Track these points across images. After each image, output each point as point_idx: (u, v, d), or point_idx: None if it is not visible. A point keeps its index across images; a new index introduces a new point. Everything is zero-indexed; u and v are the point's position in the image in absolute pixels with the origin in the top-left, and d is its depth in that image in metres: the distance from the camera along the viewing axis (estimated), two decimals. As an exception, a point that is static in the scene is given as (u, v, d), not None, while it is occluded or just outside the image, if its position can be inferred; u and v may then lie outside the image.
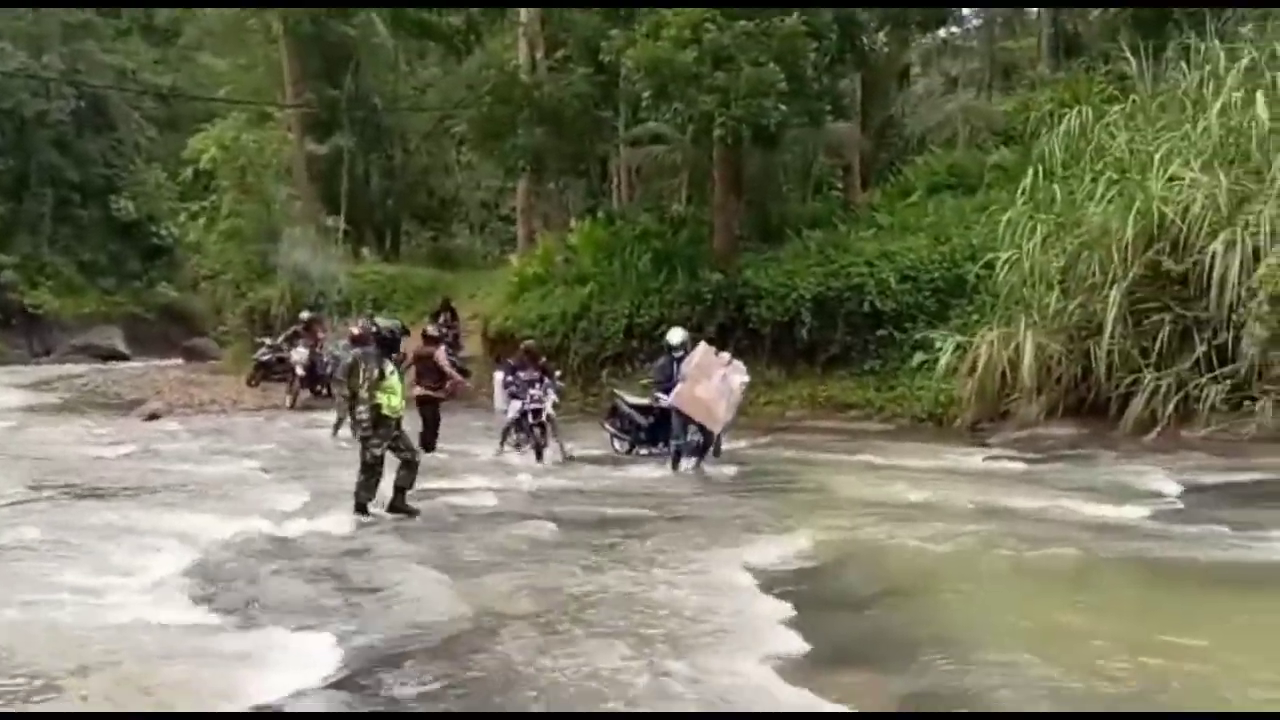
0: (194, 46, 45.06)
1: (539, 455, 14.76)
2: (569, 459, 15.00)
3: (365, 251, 36.18)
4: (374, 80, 37.64)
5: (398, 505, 10.80)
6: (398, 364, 11.19)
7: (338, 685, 5.75)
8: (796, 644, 6.22)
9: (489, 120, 24.79)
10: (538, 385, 15.07)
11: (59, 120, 50.21)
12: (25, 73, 46.85)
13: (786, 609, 6.97)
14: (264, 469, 14.29)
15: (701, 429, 13.94)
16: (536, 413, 15.01)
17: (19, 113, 48.81)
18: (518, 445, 15.29)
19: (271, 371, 26.78)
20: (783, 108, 18.69)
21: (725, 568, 8.24)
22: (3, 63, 46.73)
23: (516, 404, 15.20)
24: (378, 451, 10.65)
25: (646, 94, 20.38)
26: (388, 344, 10.98)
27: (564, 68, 25.08)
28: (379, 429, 10.57)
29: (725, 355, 14.38)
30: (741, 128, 19.04)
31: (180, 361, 39.57)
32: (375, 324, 11.64)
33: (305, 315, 25.01)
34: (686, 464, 13.94)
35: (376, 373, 10.55)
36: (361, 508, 10.68)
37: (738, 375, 14.07)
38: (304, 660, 6.09)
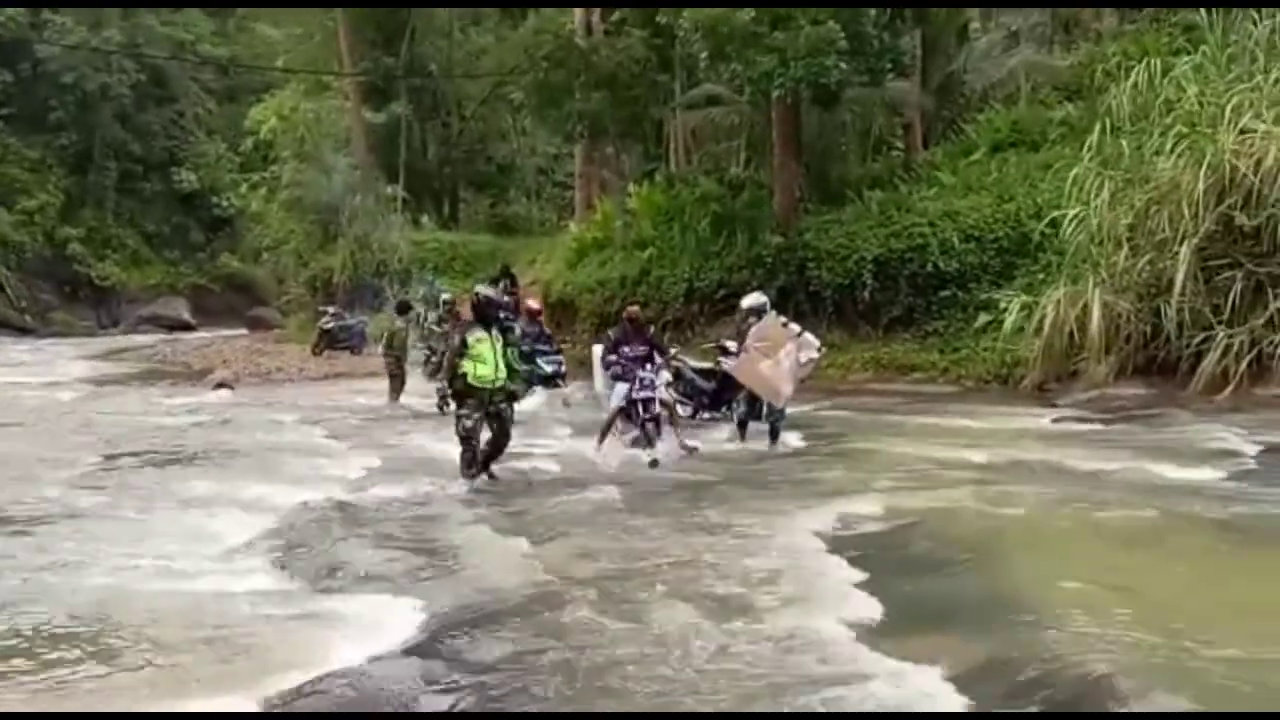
0: (251, 17, 45.39)
1: (652, 446, 11.89)
2: (693, 452, 12.40)
3: (424, 219, 36.40)
4: (429, 47, 37.80)
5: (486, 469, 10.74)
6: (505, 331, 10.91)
7: (414, 650, 5.79)
8: (871, 607, 6.18)
9: (545, 85, 24.72)
10: (647, 365, 12.34)
11: (120, 94, 50.82)
12: (86, 46, 47.39)
13: (858, 572, 6.92)
14: (333, 437, 14.45)
15: (751, 402, 13.05)
16: (648, 403, 12.09)
17: (81, 87, 49.45)
18: (632, 443, 12.21)
19: (335, 340, 27.17)
20: (843, 66, 18.48)
21: (794, 531, 8.20)
22: (63, 37, 47.31)
23: (622, 388, 12.31)
24: (468, 423, 10.48)
25: (704, 55, 20.25)
26: (482, 310, 10.77)
27: (620, 31, 24.93)
28: (466, 399, 10.44)
29: (795, 327, 13.23)
30: (801, 87, 18.88)
31: (245, 331, 40.10)
32: (476, 292, 11.34)
33: (447, 297, 21.85)
34: (774, 445, 12.77)
35: (459, 340, 10.48)
36: (466, 477, 10.60)
37: (807, 350, 12.98)
38: (380, 625, 6.16)
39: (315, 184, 32.89)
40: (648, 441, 11.89)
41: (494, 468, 10.89)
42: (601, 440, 12.30)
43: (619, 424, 12.41)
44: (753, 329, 13.01)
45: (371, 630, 6.07)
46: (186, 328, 47.56)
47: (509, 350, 10.75)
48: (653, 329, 13.92)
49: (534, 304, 19.27)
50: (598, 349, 13.82)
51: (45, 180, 49.47)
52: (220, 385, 21.97)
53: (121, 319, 49.88)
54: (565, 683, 5.24)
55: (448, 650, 5.75)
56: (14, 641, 6.00)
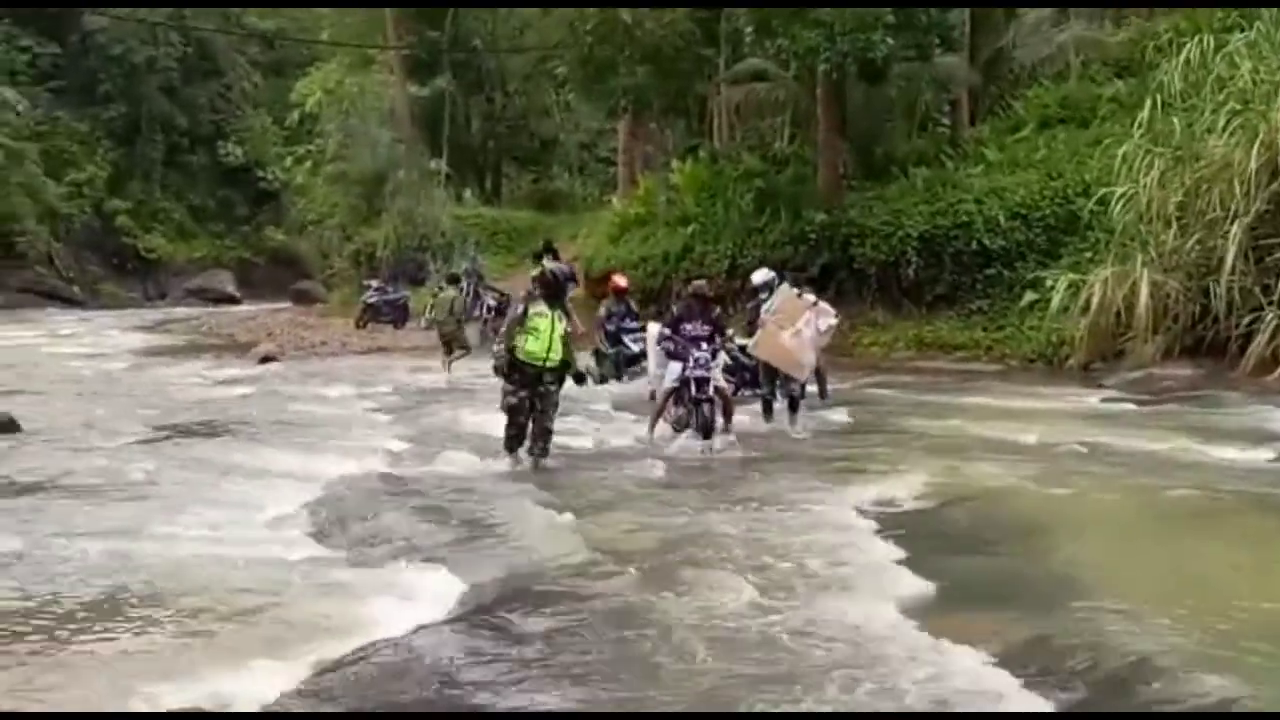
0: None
1: (707, 436, 11.06)
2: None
3: (467, 194, 36.46)
4: (474, 22, 37.71)
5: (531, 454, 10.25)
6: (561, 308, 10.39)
7: (458, 621, 5.83)
8: (917, 585, 6.16)
9: (590, 60, 24.69)
10: (704, 344, 11.29)
11: (167, 67, 51.13)
12: (133, 17, 47.67)
13: (903, 550, 6.91)
14: (378, 410, 14.53)
15: (786, 379, 12.42)
16: (701, 383, 11.09)
17: (129, 59, 49.80)
18: (678, 425, 11.50)
19: (379, 313, 27.34)
20: (890, 41, 18.33)
21: (838, 509, 8.20)
22: (111, 8, 47.61)
23: (676, 367, 11.40)
24: (512, 400, 10.06)
25: (749, 30, 20.12)
26: (547, 287, 10.42)
27: (665, 5, 24.80)
28: (513, 374, 10.04)
29: (810, 297, 12.75)
30: (847, 62, 18.73)
31: (289, 304, 40.32)
32: (547, 268, 10.92)
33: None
34: (794, 420, 12.35)
35: (520, 311, 10.12)
36: (509, 452, 10.24)
37: (825, 318, 12.53)
38: (425, 596, 6.18)
39: (359, 158, 33.02)
40: (701, 423, 11.06)
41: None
42: (653, 425, 11.56)
43: (671, 409, 11.62)
44: (766, 304, 12.71)
45: (415, 601, 6.09)
46: (231, 300, 47.96)
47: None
48: (718, 310, 12.70)
49: (621, 281, 17.72)
50: (653, 328, 12.94)
51: (93, 152, 49.88)
52: (266, 358, 22.14)
53: (168, 291, 50.34)
54: (608, 657, 5.26)
55: (491, 622, 5.78)
56: (60, 607, 6.06)
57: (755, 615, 5.67)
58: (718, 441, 11.14)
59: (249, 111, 55.06)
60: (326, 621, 5.85)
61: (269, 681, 4.94)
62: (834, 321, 12.88)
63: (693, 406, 11.20)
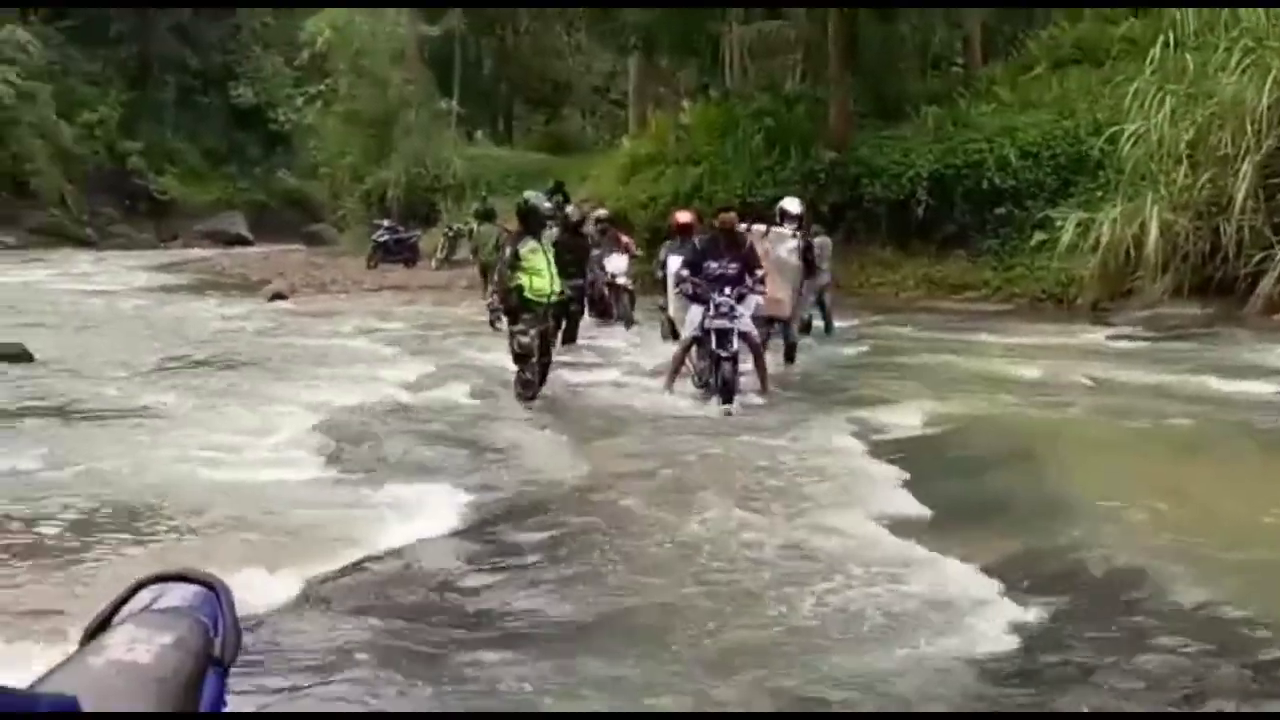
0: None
1: (727, 398, 9.35)
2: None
3: (479, 135, 36.36)
4: (485, -41, 37.47)
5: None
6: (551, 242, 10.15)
7: (459, 534, 5.96)
8: (909, 505, 6.25)
9: (600, -2, 24.54)
10: (730, 287, 9.66)
11: (177, 6, 50.84)
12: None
13: (898, 473, 7.00)
14: (388, 344, 14.59)
15: (781, 324, 11.65)
16: (723, 335, 9.47)
17: (138, -2, 49.54)
18: (702, 381, 9.94)
19: (390, 252, 27.41)
20: (903, -22, 18.19)
21: (837, 435, 8.28)
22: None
23: (696, 312, 9.84)
24: (525, 339, 9.66)
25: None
26: (528, 220, 10.07)
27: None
28: (522, 315, 9.68)
29: (760, 227, 11.74)
30: (859, 0, 18.61)
31: (301, 246, 40.35)
32: (524, 198, 10.41)
33: (602, 213, 17.91)
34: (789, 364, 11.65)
35: (510, 253, 9.78)
36: (523, 399, 9.81)
37: (783, 243, 11.66)
38: (427, 512, 6.29)
39: (370, 98, 32.93)
40: (721, 383, 9.45)
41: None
42: (671, 379, 10.11)
43: (692, 360, 10.18)
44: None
45: (418, 516, 6.20)
46: (244, 242, 47.86)
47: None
48: (751, 243, 10.61)
49: (685, 217, 14.20)
50: (673, 263, 11.55)
51: (105, 94, 49.69)
52: (276, 295, 22.19)
53: (180, 233, 50.24)
54: (602, 567, 5.36)
55: (490, 534, 5.92)
56: (68, 521, 6.17)
57: (750, 530, 5.77)
58: (738, 403, 9.50)
59: (259, 52, 54.72)
60: (328, 534, 5.97)
61: (269, 588, 5.02)
62: (794, 244, 11.96)
63: (713, 363, 9.64)
